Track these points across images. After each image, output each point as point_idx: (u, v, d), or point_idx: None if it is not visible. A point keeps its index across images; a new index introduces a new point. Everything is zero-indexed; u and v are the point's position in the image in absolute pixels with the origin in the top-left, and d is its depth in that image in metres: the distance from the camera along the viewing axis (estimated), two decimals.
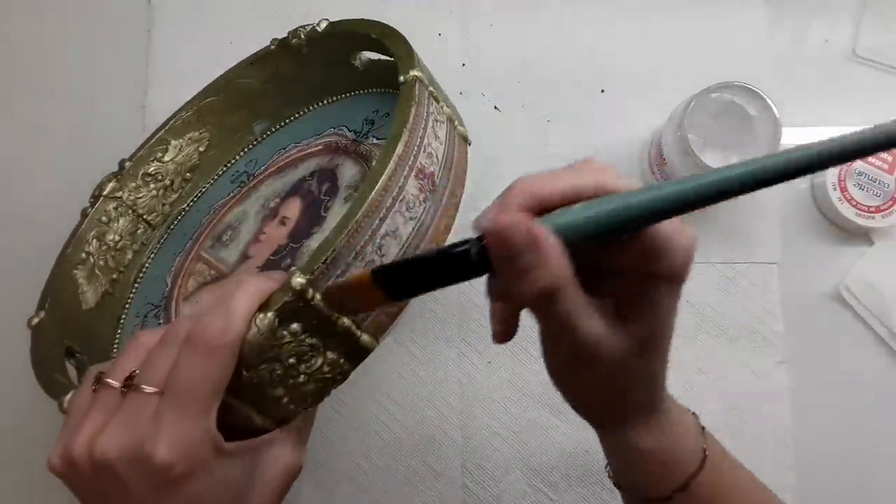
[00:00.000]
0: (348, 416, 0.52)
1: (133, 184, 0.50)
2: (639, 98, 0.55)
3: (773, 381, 0.51)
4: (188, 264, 0.48)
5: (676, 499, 0.31)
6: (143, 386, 0.28)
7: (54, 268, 0.47)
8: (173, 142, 0.51)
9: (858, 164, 0.51)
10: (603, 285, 0.26)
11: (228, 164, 0.53)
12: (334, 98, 0.50)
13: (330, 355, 0.32)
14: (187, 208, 0.52)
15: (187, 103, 0.51)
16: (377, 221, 0.31)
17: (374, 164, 0.33)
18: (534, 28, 0.57)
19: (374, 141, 0.45)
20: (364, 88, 0.49)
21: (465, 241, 0.24)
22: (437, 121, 0.37)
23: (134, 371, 0.29)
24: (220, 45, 0.58)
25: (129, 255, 0.50)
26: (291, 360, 0.31)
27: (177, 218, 0.52)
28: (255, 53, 0.50)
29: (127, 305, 0.49)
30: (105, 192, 0.50)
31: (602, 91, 0.56)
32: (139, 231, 0.51)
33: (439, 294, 0.53)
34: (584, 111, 0.56)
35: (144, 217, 0.51)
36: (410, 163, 0.33)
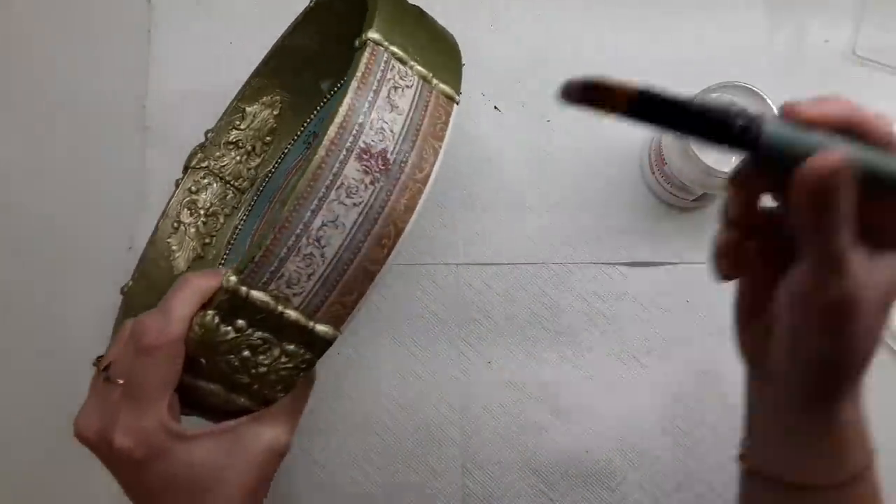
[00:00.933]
0: (348, 416, 0.52)
1: (217, 153, 0.53)
2: None
3: None
4: (259, 229, 0.51)
5: (845, 489, 0.28)
6: (113, 377, 0.32)
7: (149, 243, 0.50)
8: (248, 109, 0.53)
9: None
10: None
11: (305, 124, 0.54)
12: None
13: (288, 346, 0.32)
14: (273, 170, 0.54)
15: (254, 71, 0.52)
16: (308, 213, 0.30)
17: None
18: (534, 28, 0.57)
19: None
20: None
21: (747, 117, 0.23)
22: (396, 87, 0.34)
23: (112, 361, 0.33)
24: (221, 45, 0.58)
25: (222, 220, 0.53)
26: (246, 353, 0.32)
27: (264, 181, 0.54)
28: (300, 14, 0.50)
29: (221, 265, 0.52)
30: (193, 164, 0.52)
31: None
32: (228, 196, 0.53)
33: (439, 294, 0.53)
34: (584, 111, 0.56)
35: (232, 183, 0.53)
36: (348, 145, 0.31)
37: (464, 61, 0.57)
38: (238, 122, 0.53)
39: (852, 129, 0.24)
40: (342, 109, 0.31)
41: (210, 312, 0.30)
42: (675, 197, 0.52)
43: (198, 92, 0.57)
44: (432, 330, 0.53)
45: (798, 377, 0.27)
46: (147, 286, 0.48)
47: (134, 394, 0.31)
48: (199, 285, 0.31)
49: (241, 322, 0.31)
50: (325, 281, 0.31)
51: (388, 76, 0.34)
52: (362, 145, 0.31)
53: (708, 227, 0.53)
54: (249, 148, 0.53)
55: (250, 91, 0.52)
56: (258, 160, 0.54)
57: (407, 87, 0.34)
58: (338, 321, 0.32)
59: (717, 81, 0.46)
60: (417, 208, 0.33)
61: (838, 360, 0.26)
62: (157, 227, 0.51)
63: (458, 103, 0.37)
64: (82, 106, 0.58)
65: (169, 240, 0.51)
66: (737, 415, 0.51)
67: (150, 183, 0.56)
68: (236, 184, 0.53)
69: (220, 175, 0.53)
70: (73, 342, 0.54)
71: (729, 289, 0.52)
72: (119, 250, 0.55)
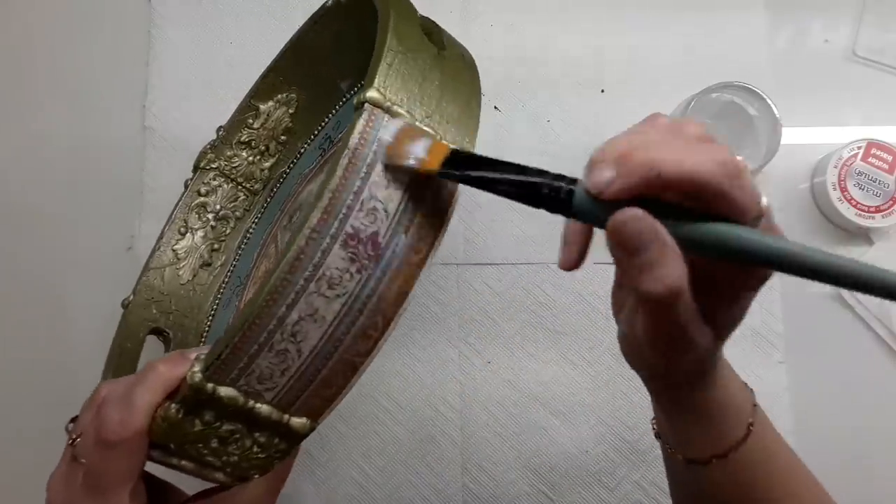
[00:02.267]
0: (348, 416, 0.52)
1: (228, 152, 0.50)
2: (639, 98, 0.55)
3: (773, 381, 0.51)
4: (267, 242, 0.47)
5: (716, 463, 0.31)
6: (78, 456, 0.30)
7: (154, 247, 0.48)
8: (261, 106, 0.50)
9: (858, 164, 0.51)
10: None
11: (322, 125, 0.51)
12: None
13: (260, 437, 0.30)
14: (287, 171, 0.52)
15: (269, 67, 0.50)
16: (283, 309, 0.27)
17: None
18: (534, 28, 0.57)
19: None
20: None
21: (560, 177, 0.24)
22: (387, 160, 0.29)
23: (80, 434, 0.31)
24: (220, 45, 0.58)
25: (232, 223, 0.51)
26: (214, 444, 0.30)
27: (278, 182, 0.52)
28: (317, 11, 0.47)
29: (229, 274, 0.50)
30: (203, 164, 0.50)
31: (602, 91, 0.56)
32: (240, 198, 0.51)
33: (439, 294, 0.53)
34: (584, 111, 0.56)
35: (243, 184, 0.51)
36: (333, 231, 0.27)
37: None
38: (251, 121, 0.50)
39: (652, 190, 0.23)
40: (328, 192, 0.27)
41: (174, 406, 0.28)
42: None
43: (198, 92, 0.57)
44: (432, 330, 0.53)
45: (644, 375, 0.31)
46: (148, 299, 0.47)
47: (94, 482, 0.30)
48: (165, 374, 0.29)
49: (208, 416, 0.28)
50: (300, 376, 0.28)
51: (377, 145, 0.28)
52: (349, 230, 0.27)
53: None
54: (263, 148, 0.51)
55: (264, 88, 0.50)
56: (272, 160, 0.52)
57: (430, 136, 0.29)
58: (315, 414, 0.29)
59: (717, 81, 0.46)
60: (411, 293, 0.29)
61: (663, 372, 0.30)
62: (162, 234, 0.48)
63: None
64: (82, 106, 0.58)
65: (175, 247, 0.49)
66: None
67: (149, 183, 0.56)
68: (248, 185, 0.51)
69: (231, 176, 0.51)
70: (72, 343, 0.54)
71: None
72: (118, 250, 0.55)
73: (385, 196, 0.28)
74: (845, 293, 0.51)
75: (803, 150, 0.54)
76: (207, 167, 0.50)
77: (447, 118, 0.31)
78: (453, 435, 0.51)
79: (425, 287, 0.53)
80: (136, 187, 0.56)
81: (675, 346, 0.26)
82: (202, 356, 0.28)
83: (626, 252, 0.23)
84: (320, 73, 0.49)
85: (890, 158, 0.51)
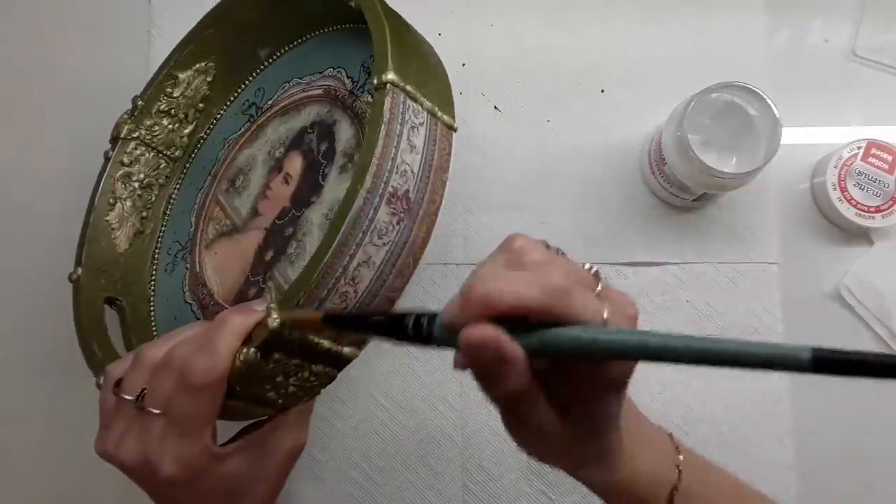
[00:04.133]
0: (348, 416, 0.52)
1: (148, 121, 0.51)
2: (639, 98, 0.55)
3: (773, 382, 0.51)
4: (208, 205, 0.49)
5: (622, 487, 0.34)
6: (149, 407, 0.33)
7: (86, 218, 0.49)
8: (180, 75, 0.51)
9: (858, 164, 0.51)
10: (550, 378, 0.28)
11: (238, 91, 0.53)
12: (332, 28, 0.49)
13: (316, 368, 0.34)
14: (205, 136, 0.53)
15: (187, 36, 0.51)
16: (347, 259, 0.32)
17: (343, 197, 0.33)
18: (534, 28, 0.57)
19: (369, 99, 0.44)
20: (361, 23, 0.48)
21: (407, 315, 0.28)
22: (413, 128, 0.35)
23: (143, 389, 0.34)
24: None
25: (156, 191, 0.52)
26: (279, 379, 0.34)
27: (195, 148, 0.53)
28: None
29: (159, 240, 0.51)
30: (122, 134, 0.50)
31: (602, 91, 0.56)
32: (162, 166, 0.52)
33: (440, 294, 0.53)
34: (584, 111, 0.56)
35: (164, 152, 0.52)
36: (381, 192, 0.33)
37: (463, 61, 0.57)
38: (170, 90, 0.51)
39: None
40: (375, 159, 0.32)
41: (253, 350, 0.32)
42: (675, 197, 0.52)
43: None
44: None
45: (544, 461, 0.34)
46: (95, 270, 0.47)
47: (181, 426, 0.32)
48: (240, 322, 0.33)
49: (278, 355, 0.32)
50: (356, 311, 0.33)
51: (407, 117, 0.35)
52: (391, 189, 0.33)
53: (708, 227, 0.53)
54: (182, 116, 0.52)
55: (183, 57, 0.51)
56: (190, 127, 0.53)
57: (420, 124, 0.35)
58: (361, 343, 0.35)
59: (717, 81, 0.46)
60: (431, 238, 0.35)
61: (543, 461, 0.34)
62: (93, 206, 0.49)
63: (456, 130, 0.38)
64: (82, 106, 0.58)
65: (107, 217, 0.49)
66: (737, 414, 0.51)
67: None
68: (169, 153, 0.52)
69: (152, 145, 0.51)
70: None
71: (729, 289, 0.52)
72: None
73: (411, 160, 0.34)
74: (845, 293, 0.51)
75: (803, 150, 0.54)
76: (128, 137, 0.50)
77: (434, 91, 0.37)
78: (453, 435, 0.51)
79: (425, 287, 0.53)
80: None
81: (527, 435, 0.31)
82: (273, 305, 0.31)
83: (475, 368, 0.26)
84: (239, 41, 0.51)
85: (890, 158, 0.51)
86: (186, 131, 0.52)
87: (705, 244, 0.53)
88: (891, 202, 0.51)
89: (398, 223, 0.33)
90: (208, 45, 0.51)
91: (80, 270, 0.47)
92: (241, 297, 0.42)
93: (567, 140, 0.55)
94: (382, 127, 0.33)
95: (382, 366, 0.52)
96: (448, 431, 0.51)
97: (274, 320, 0.31)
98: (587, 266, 0.28)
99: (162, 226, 0.51)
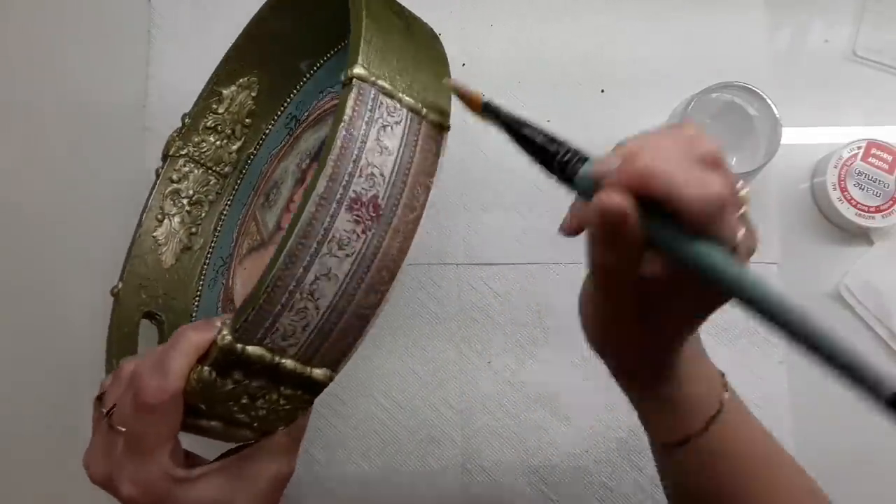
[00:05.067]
0: (348, 416, 0.52)
1: (196, 138, 0.52)
2: (639, 98, 0.55)
3: (773, 381, 0.51)
4: (247, 221, 0.49)
5: (690, 444, 0.33)
6: (115, 425, 0.32)
7: (133, 240, 0.49)
8: (224, 91, 0.51)
9: (858, 164, 0.51)
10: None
11: (284, 106, 0.53)
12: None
13: (285, 390, 0.32)
14: (254, 152, 0.53)
15: (227, 54, 0.51)
16: (300, 270, 0.29)
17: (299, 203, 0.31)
18: (534, 28, 0.57)
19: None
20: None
21: (572, 152, 0.27)
22: (385, 126, 0.32)
23: (114, 405, 0.33)
24: (221, 45, 0.58)
25: (206, 207, 0.52)
26: (245, 400, 0.32)
27: (246, 164, 0.53)
28: None
29: (208, 256, 0.51)
30: (171, 152, 0.51)
31: (602, 91, 0.56)
32: (211, 182, 0.52)
33: (440, 294, 0.53)
34: (584, 111, 0.56)
35: (213, 168, 0.52)
36: (338, 197, 0.30)
37: (463, 61, 0.57)
38: (215, 106, 0.52)
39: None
40: (330, 160, 0.29)
41: (206, 368, 0.30)
42: None
43: (198, 92, 0.57)
44: (432, 330, 0.53)
45: (610, 365, 0.34)
46: (137, 285, 0.48)
47: (136, 447, 0.32)
48: (195, 339, 0.31)
49: (237, 374, 0.31)
50: (319, 331, 0.31)
51: (377, 115, 0.31)
52: (352, 195, 0.30)
53: None
54: (229, 132, 0.52)
55: (225, 74, 0.51)
56: (238, 143, 0.53)
57: (396, 123, 0.32)
58: (334, 364, 0.32)
59: (717, 81, 0.46)
60: (410, 249, 0.32)
61: (614, 363, 0.34)
62: (140, 222, 0.50)
63: (448, 130, 0.35)
64: (82, 106, 0.58)
65: (154, 234, 0.50)
66: None
67: (150, 183, 0.56)
68: (218, 169, 0.52)
69: (201, 161, 0.52)
70: (70, 342, 0.54)
71: None
72: (119, 251, 0.55)
73: (380, 162, 0.31)
74: (845, 293, 0.51)
75: (803, 150, 0.54)
76: (177, 154, 0.51)
77: (424, 86, 0.34)
78: (453, 435, 0.51)
79: (425, 287, 0.53)
80: (136, 187, 0.55)
81: (602, 317, 0.31)
82: (228, 321, 0.30)
83: (599, 228, 0.25)
84: (279, 55, 0.50)
85: (890, 158, 0.51)
86: (235, 147, 0.53)
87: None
88: (891, 202, 0.51)
89: (363, 232, 0.30)
90: (247, 59, 0.51)
91: (120, 285, 0.47)
92: None
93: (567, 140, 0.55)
94: (342, 126, 0.30)
95: (382, 366, 0.52)
96: (448, 431, 0.51)
97: (224, 337, 0.29)
98: (739, 185, 0.26)
99: (212, 242, 0.52)
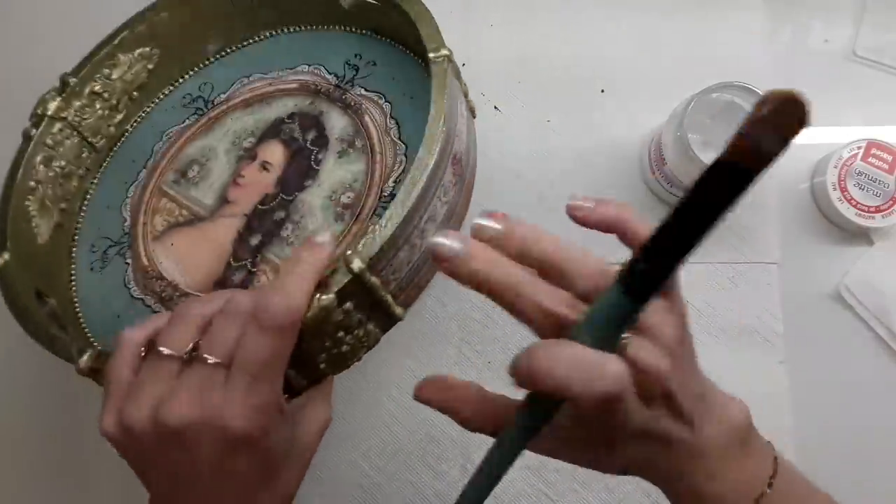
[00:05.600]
0: (348, 416, 0.52)
1: (78, 102, 0.46)
2: (639, 98, 0.55)
3: (773, 381, 0.51)
4: (149, 198, 0.47)
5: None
6: (208, 357, 0.29)
7: (5, 199, 0.44)
8: (122, 57, 0.47)
9: (858, 164, 0.51)
10: None
11: (175, 84, 0.51)
12: (307, 27, 0.49)
13: (370, 326, 0.34)
14: (131, 129, 0.50)
15: (139, 14, 0.47)
16: (423, 210, 0.34)
17: (419, 152, 0.34)
18: (534, 28, 0.57)
19: (363, 92, 0.45)
20: (344, 26, 0.48)
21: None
22: (461, 101, 0.38)
23: (196, 342, 0.30)
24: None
25: (75, 182, 0.47)
26: (340, 334, 0.33)
27: (119, 140, 0.50)
28: None
29: (76, 237, 0.47)
30: (50, 112, 0.45)
31: (602, 91, 0.56)
32: (84, 155, 0.47)
33: (439, 294, 0.53)
34: (584, 111, 0.56)
35: (89, 139, 0.47)
36: (449, 151, 0.35)
37: (463, 61, 0.57)
38: (108, 71, 0.47)
39: (616, 231, 0.29)
40: (446, 125, 0.34)
41: (331, 295, 0.31)
42: (675, 197, 0.52)
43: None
44: (432, 330, 0.53)
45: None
46: (20, 258, 0.42)
47: (254, 375, 0.29)
48: (316, 264, 0.31)
49: (348, 304, 0.32)
50: (414, 268, 0.34)
51: (457, 92, 0.38)
52: (455, 152, 0.35)
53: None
54: (114, 102, 0.48)
55: (130, 37, 0.47)
56: (120, 116, 0.48)
57: (463, 94, 0.39)
58: (408, 304, 0.35)
59: (717, 81, 0.46)
60: (471, 200, 0.38)
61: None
62: (12, 186, 0.43)
63: (475, 117, 0.42)
64: None
65: (27, 203, 0.44)
66: None
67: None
68: (94, 141, 0.47)
69: (78, 129, 0.46)
70: None
71: (729, 289, 0.52)
72: None
73: (462, 126, 0.38)
74: (845, 293, 0.51)
75: (803, 150, 0.54)
76: (56, 116, 0.46)
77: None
78: (453, 435, 0.51)
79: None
80: None
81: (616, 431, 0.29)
82: (351, 252, 0.31)
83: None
84: (192, 33, 0.49)
85: (890, 158, 0.51)
86: (115, 120, 0.48)
87: (705, 244, 0.53)
88: (891, 202, 0.51)
89: (455, 184, 0.36)
90: (158, 28, 0.47)
91: (6, 255, 0.42)
92: (222, 284, 0.42)
93: (567, 140, 0.55)
94: (446, 93, 0.35)
95: (383, 366, 0.52)
96: (448, 431, 0.51)
97: (357, 265, 0.31)
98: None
99: (77, 223, 0.48)
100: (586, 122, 0.55)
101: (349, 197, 0.42)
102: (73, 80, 0.46)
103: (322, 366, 0.34)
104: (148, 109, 0.50)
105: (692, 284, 0.53)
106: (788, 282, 0.52)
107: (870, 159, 0.51)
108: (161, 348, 0.30)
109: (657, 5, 0.57)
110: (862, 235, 0.52)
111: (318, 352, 0.33)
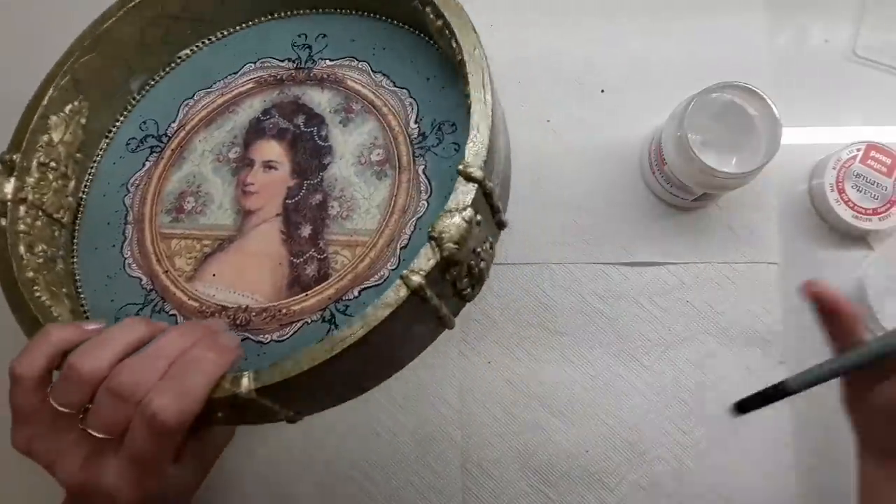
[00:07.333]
0: (348, 416, 0.52)
1: (31, 179, 0.42)
2: (639, 98, 0.55)
3: (773, 382, 0.51)
4: (154, 249, 0.44)
5: None
6: (96, 433, 0.30)
7: (19, 298, 0.39)
8: (53, 118, 0.42)
9: (857, 166, 0.51)
10: None
11: (111, 133, 0.47)
12: (229, 31, 0.48)
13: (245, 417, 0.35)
14: (85, 193, 0.46)
15: (57, 66, 0.43)
16: (500, 136, 0.37)
17: (487, 97, 0.38)
18: (534, 28, 0.57)
19: (329, 63, 0.45)
20: (264, 16, 0.48)
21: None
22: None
23: (86, 405, 0.31)
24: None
25: (61, 265, 0.42)
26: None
27: (78, 209, 0.45)
28: None
29: (87, 317, 0.43)
30: (10, 196, 0.40)
31: (602, 91, 0.56)
32: (56, 234, 0.43)
33: None
34: (584, 111, 0.56)
35: (54, 216, 0.42)
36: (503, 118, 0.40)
37: None
38: (47, 137, 0.42)
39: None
40: (494, 108, 0.38)
41: (220, 416, 0.33)
42: (675, 197, 0.52)
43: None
44: None
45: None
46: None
47: (140, 463, 0.30)
48: (217, 367, 0.31)
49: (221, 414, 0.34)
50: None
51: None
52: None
53: (708, 227, 0.53)
54: (63, 169, 0.43)
55: (56, 94, 0.42)
56: (72, 183, 0.44)
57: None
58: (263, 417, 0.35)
59: (717, 81, 0.46)
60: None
61: None
62: (15, 282, 0.38)
63: None
64: None
65: (37, 293, 0.39)
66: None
67: None
68: (58, 217, 0.42)
69: (43, 208, 0.41)
70: None
71: (729, 289, 0.52)
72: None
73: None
74: (844, 294, 0.51)
75: (802, 151, 0.54)
76: (16, 199, 0.40)
77: None
78: (453, 435, 0.51)
79: None
80: None
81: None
82: (249, 372, 0.32)
83: None
84: (115, 72, 0.46)
85: (888, 161, 0.51)
86: (70, 188, 0.44)
87: (705, 244, 0.53)
88: (888, 205, 0.51)
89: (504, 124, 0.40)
90: (80, 76, 0.44)
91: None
92: (297, 282, 0.41)
93: (567, 140, 0.55)
94: (488, 87, 0.39)
95: None
96: (448, 431, 0.51)
97: (415, 279, 0.31)
98: None
99: (81, 304, 0.43)
100: (586, 122, 0.55)
101: (379, 154, 0.41)
102: (16, 157, 0.41)
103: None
104: (93, 168, 0.46)
105: (692, 284, 0.53)
106: (788, 282, 0.52)
107: (868, 162, 0.51)
108: (59, 407, 0.31)
109: (658, 5, 0.57)
110: (859, 237, 0.53)
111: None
